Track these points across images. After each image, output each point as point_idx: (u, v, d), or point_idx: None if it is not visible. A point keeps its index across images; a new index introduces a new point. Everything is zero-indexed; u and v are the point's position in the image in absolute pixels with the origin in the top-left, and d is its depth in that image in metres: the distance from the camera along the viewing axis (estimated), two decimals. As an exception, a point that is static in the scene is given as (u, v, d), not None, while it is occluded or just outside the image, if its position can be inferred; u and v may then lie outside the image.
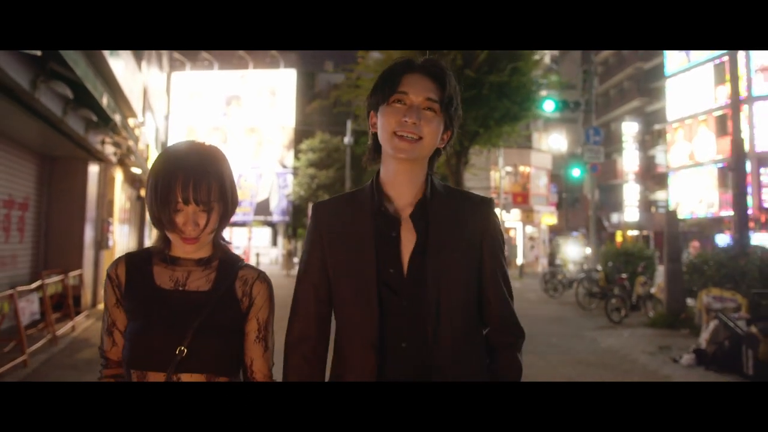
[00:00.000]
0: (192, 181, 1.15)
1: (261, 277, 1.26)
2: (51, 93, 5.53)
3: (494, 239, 1.26)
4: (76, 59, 5.00)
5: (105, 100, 6.29)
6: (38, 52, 4.25)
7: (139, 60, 10.48)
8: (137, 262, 1.24)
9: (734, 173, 8.39)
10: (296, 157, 28.37)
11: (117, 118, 7.19)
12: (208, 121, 28.71)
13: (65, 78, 5.39)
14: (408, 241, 1.20)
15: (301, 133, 29.06)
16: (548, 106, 15.74)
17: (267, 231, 29.20)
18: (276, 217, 28.71)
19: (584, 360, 6.27)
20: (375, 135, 1.25)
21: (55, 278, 7.17)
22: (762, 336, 5.26)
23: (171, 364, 1.14)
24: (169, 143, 20.12)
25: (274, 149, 28.97)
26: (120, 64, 7.86)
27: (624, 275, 10.00)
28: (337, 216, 1.25)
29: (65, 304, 7.55)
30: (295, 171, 28.17)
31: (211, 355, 1.18)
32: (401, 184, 1.23)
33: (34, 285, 6.28)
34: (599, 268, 11.82)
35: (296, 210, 28.42)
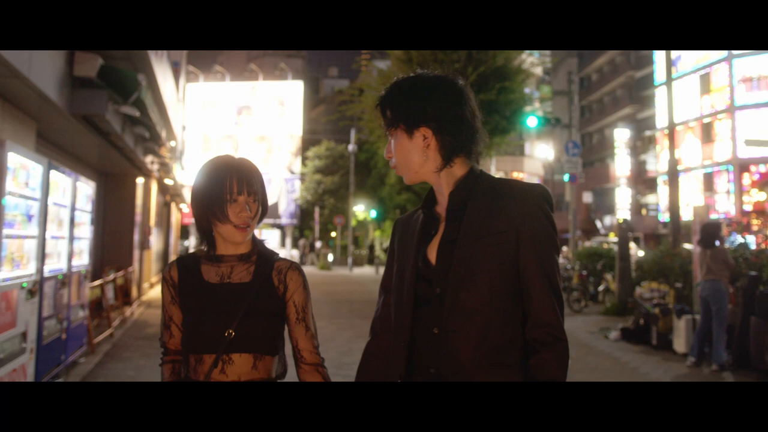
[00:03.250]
0: (246, 177, 1.36)
1: (293, 266, 1.45)
2: (132, 133, 7.35)
3: (535, 230, 1.17)
4: (153, 108, 6.80)
5: (164, 133, 8.10)
6: (137, 112, 6.05)
7: (177, 85, 12.31)
8: (187, 263, 1.42)
9: (669, 187, 10.09)
10: (303, 164, 30.23)
11: (168, 144, 9.00)
12: (220, 129, 30.56)
13: (141, 121, 7.19)
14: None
15: (308, 141, 30.94)
16: (531, 122, 17.33)
17: (276, 233, 31.04)
18: (284, 220, 30.53)
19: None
20: None
21: (120, 273, 8.97)
22: (661, 315, 7.01)
23: (222, 345, 1.31)
24: (186, 152, 22.09)
25: (282, 156, 30.80)
26: (168, 97, 9.67)
27: (584, 272, 11.74)
28: (404, 225, 1.36)
29: (123, 293, 9.36)
30: (303, 177, 30.03)
31: (256, 336, 1.35)
32: (442, 190, 1.29)
33: (111, 277, 8.08)
34: (570, 266, 13.55)
35: (303, 213, 30.27)
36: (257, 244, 1.44)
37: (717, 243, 5.96)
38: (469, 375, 1.14)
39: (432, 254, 1.24)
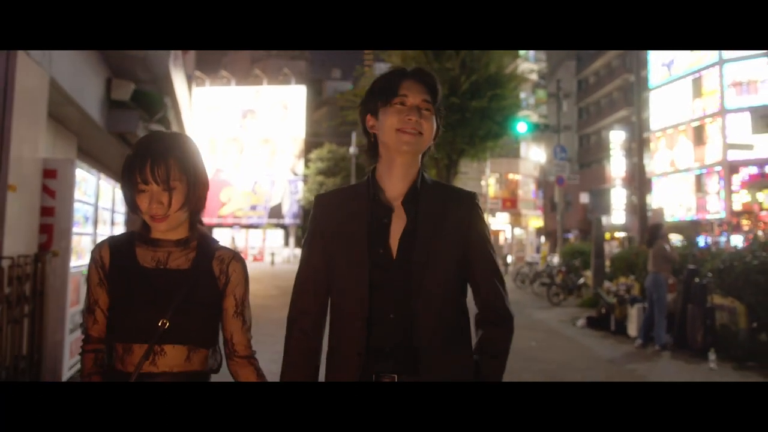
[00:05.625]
0: (149, 162, 1.23)
1: (236, 257, 1.37)
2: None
3: (479, 231, 1.37)
4: (174, 123, 7.81)
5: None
6: (163, 129, 7.06)
7: (190, 94, 13.35)
8: (120, 244, 1.33)
9: (638, 192, 11.04)
10: (306, 166, 31.30)
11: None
12: (226, 132, 31.63)
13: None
14: (399, 225, 1.33)
15: (311, 144, 31.99)
16: (521, 128, 18.26)
17: (280, 233, 32.11)
18: (288, 221, 31.59)
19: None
20: (373, 135, 1.38)
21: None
22: (618, 304, 7.99)
23: (154, 336, 1.24)
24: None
25: (286, 158, 31.86)
26: (185, 110, 10.70)
27: (563, 268, 12.72)
28: (337, 207, 1.38)
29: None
30: (305, 178, 31.10)
31: (191, 328, 1.28)
32: (397, 177, 1.35)
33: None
34: (555, 264, 14.53)
35: (306, 214, 31.32)
36: (196, 230, 1.36)
37: (658, 241, 6.94)
38: (427, 352, 1.28)
39: (391, 244, 1.32)
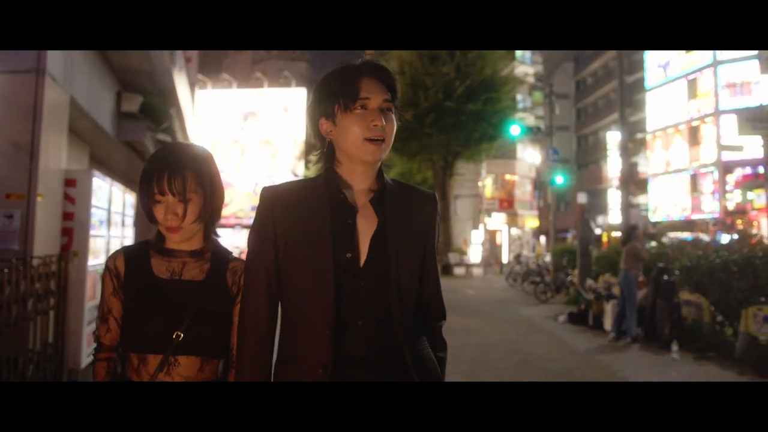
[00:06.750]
0: (166, 174, 1.26)
1: None
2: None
3: (436, 231, 1.36)
4: (179, 131, 8.34)
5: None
6: (169, 138, 7.59)
7: (193, 100, 13.90)
8: (134, 254, 1.35)
9: (622, 193, 11.54)
10: (306, 167, 31.78)
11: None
12: (227, 134, 32.18)
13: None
14: (364, 227, 1.25)
15: (311, 146, 32.38)
16: (515, 131, 18.72)
17: (280, 232, 32.63)
18: (288, 220, 32.10)
19: (499, 320, 9.51)
20: (329, 142, 1.28)
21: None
22: (594, 300, 8.50)
23: (169, 347, 1.26)
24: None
25: (286, 160, 32.42)
26: (188, 118, 11.23)
27: (550, 267, 13.22)
28: (291, 203, 1.27)
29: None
30: (306, 179, 31.61)
31: (205, 339, 1.30)
32: (359, 178, 1.28)
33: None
34: (547, 261, 15.02)
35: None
36: (211, 241, 1.39)
37: (632, 241, 7.45)
38: (397, 354, 1.23)
39: (360, 247, 1.25)
